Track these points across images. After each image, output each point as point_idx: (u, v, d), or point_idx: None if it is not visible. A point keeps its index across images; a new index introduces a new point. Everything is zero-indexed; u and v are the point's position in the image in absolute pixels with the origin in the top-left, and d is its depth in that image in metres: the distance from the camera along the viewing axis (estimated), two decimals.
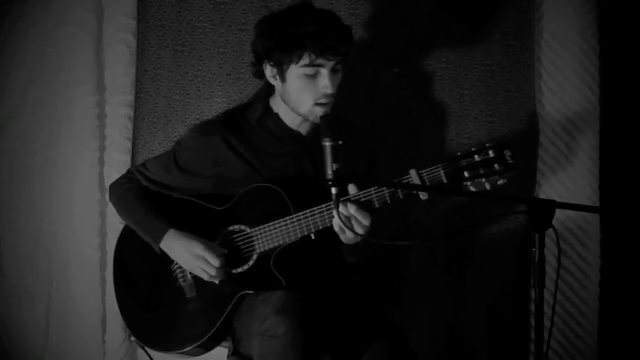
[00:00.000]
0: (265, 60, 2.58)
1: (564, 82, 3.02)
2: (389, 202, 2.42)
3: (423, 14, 3.02)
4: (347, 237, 2.42)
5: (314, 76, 2.53)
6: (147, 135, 3.05)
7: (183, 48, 3.04)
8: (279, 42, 2.51)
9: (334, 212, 2.35)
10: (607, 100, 3.05)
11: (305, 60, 2.50)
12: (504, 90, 3.06)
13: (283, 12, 2.60)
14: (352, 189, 2.41)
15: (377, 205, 2.44)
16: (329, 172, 2.33)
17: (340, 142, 2.34)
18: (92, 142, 3.02)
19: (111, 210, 3.02)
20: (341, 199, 2.35)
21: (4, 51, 3.06)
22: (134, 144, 3.05)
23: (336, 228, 2.42)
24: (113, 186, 2.79)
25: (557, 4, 3.01)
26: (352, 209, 2.38)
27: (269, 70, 2.60)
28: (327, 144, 2.34)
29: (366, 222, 2.39)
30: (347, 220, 2.39)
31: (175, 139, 3.00)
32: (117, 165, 3.00)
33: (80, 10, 3.00)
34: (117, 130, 3.04)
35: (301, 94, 2.55)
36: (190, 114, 3.04)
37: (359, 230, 2.39)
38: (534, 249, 2.13)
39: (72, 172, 3.04)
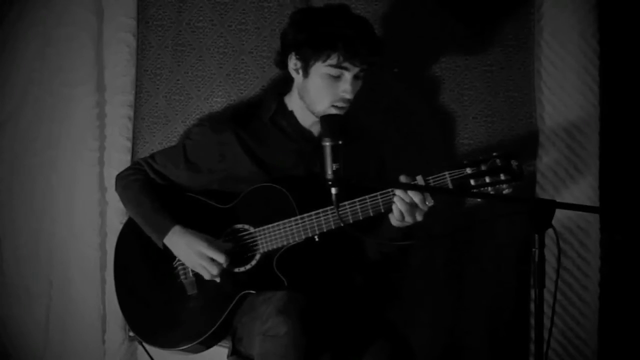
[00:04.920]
0: (293, 52, 2.59)
1: (564, 82, 3.03)
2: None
3: (423, 14, 3.02)
4: (403, 223, 2.46)
5: (336, 78, 2.55)
6: (147, 135, 3.05)
7: (183, 48, 3.04)
8: (310, 37, 2.54)
9: (395, 198, 2.41)
10: (607, 101, 3.05)
11: (332, 60, 2.52)
12: (504, 90, 3.06)
13: (320, 9, 2.64)
14: (420, 180, 2.43)
15: (383, 210, 2.46)
16: (329, 172, 2.34)
17: (340, 142, 2.35)
18: (92, 142, 3.02)
19: (111, 210, 3.02)
20: (403, 185, 2.41)
21: (4, 51, 3.06)
22: (134, 144, 3.05)
23: (396, 214, 2.44)
24: (120, 176, 2.79)
25: (557, 4, 3.01)
26: (416, 198, 2.41)
27: (292, 63, 2.61)
28: (327, 144, 2.35)
29: (426, 208, 2.43)
30: (410, 208, 2.42)
31: (175, 139, 3.01)
32: (117, 165, 2.99)
33: (80, 10, 3.00)
34: (117, 130, 3.04)
35: (320, 92, 2.56)
36: (190, 114, 3.04)
37: (419, 217, 2.45)
38: (534, 249, 2.13)
39: (72, 172, 3.04)
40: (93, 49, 3.01)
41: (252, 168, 2.65)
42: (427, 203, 2.41)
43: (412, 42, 3.03)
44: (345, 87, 2.55)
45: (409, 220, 2.44)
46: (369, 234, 2.59)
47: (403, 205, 2.42)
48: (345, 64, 2.53)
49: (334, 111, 2.57)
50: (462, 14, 3.03)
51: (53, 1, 3.02)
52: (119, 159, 3.02)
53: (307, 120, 2.67)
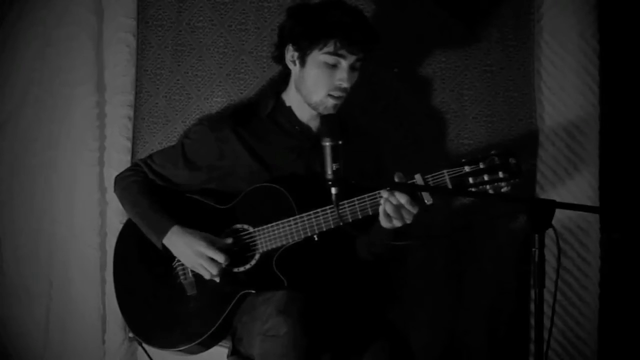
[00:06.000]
0: (289, 44, 2.62)
1: (564, 82, 3.03)
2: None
3: (423, 14, 3.03)
4: (392, 225, 2.43)
5: (333, 67, 2.56)
6: (147, 135, 3.05)
7: (183, 48, 3.04)
8: (307, 27, 2.57)
9: (381, 200, 2.38)
10: (607, 100, 3.05)
11: (329, 47, 2.54)
12: (504, 90, 3.06)
13: (316, 3, 2.66)
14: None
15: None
16: (329, 172, 2.34)
17: (340, 142, 2.35)
18: (92, 142, 3.02)
19: (111, 210, 3.02)
20: (389, 189, 2.37)
21: (4, 51, 3.06)
22: (134, 144, 3.05)
23: (381, 215, 2.41)
24: (119, 177, 2.79)
25: (557, 4, 3.01)
26: (402, 199, 2.38)
27: (290, 54, 2.63)
28: (327, 143, 2.35)
29: (415, 210, 2.40)
30: (397, 210, 2.39)
31: (175, 139, 3.01)
32: (117, 165, 3.00)
33: (80, 10, 3.00)
34: (117, 130, 3.04)
35: (317, 81, 2.58)
36: (190, 114, 3.04)
37: (408, 220, 2.41)
38: (534, 249, 2.13)
39: (72, 172, 3.04)
40: (93, 49, 3.01)
41: (251, 165, 2.66)
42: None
43: (412, 42, 3.03)
44: (342, 76, 2.56)
45: (397, 222, 2.41)
46: (369, 234, 2.59)
47: (389, 207, 2.39)
48: (342, 52, 2.54)
49: (330, 101, 2.58)
50: (462, 14, 3.03)
51: (53, 1, 3.03)
52: (119, 159, 3.02)
53: (305, 115, 2.68)
